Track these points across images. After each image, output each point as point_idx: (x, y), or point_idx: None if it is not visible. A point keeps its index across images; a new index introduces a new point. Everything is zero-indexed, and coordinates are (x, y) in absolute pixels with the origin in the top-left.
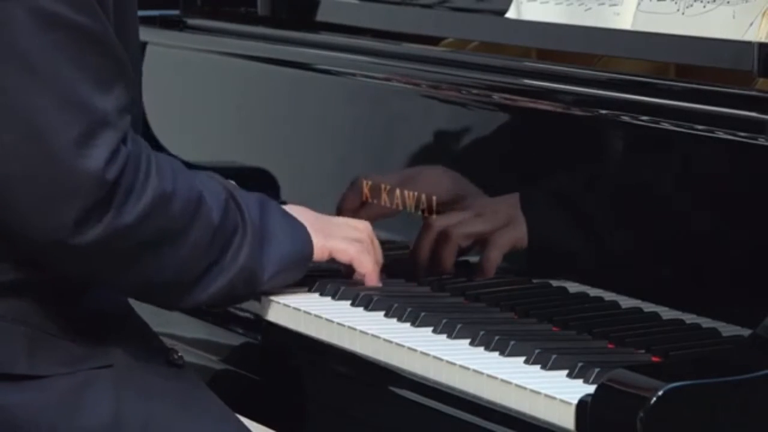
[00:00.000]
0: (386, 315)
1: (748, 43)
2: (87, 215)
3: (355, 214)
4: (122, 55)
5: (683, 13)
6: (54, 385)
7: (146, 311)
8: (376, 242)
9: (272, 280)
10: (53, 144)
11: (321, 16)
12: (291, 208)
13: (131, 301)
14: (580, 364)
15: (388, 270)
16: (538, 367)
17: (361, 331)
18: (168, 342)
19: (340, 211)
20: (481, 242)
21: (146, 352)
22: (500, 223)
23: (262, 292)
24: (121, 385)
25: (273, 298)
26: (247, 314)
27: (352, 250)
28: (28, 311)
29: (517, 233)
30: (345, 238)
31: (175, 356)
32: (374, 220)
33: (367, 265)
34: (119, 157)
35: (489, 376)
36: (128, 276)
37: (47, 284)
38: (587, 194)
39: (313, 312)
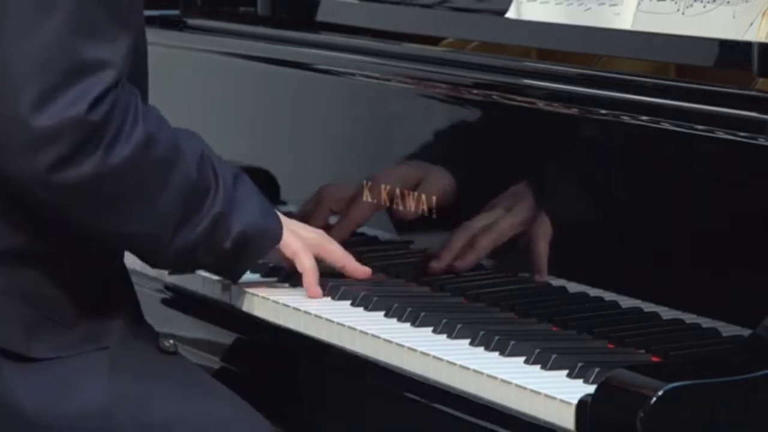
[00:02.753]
0: (386, 315)
1: (748, 43)
2: (70, 154)
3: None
4: (123, 9)
5: (683, 13)
6: (51, 368)
7: (147, 312)
8: (334, 244)
9: (239, 244)
10: (33, 89)
11: (321, 16)
12: None
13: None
14: (580, 364)
15: (388, 270)
16: (538, 367)
17: (361, 331)
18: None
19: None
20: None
21: (141, 337)
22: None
23: (233, 264)
24: (116, 367)
25: (273, 297)
26: (247, 314)
27: (297, 246)
28: (28, 286)
29: (514, 232)
30: (296, 235)
31: (167, 344)
32: (370, 219)
33: (306, 264)
34: (107, 100)
35: (489, 376)
36: (108, 221)
37: (51, 258)
38: (587, 194)
39: (313, 312)
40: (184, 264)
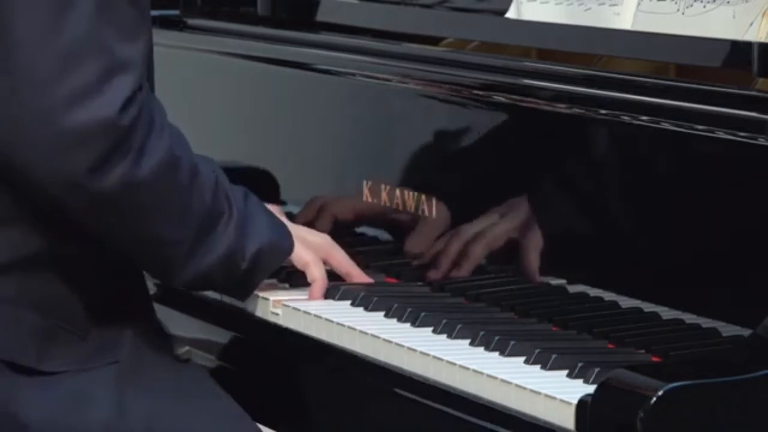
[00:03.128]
0: (386, 315)
1: (748, 43)
2: (103, 159)
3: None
4: (144, 7)
5: (683, 13)
6: (60, 383)
7: None
8: (339, 250)
9: (251, 268)
10: (66, 86)
11: (321, 16)
12: None
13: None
14: (580, 364)
15: (388, 270)
16: (538, 367)
17: (361, 331)
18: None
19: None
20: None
21: (153, 348)
22: (500, 222)
23: (246, 284)
24: (125, 381)
25: (273, 297)
26: (247, 314)
27: (308, 257)
28: (42, 292)
29: (514, 232)
30: (305, 244)
31: (181, 351)
32: (372, 220)
33: (316, 275)
34: (134, 104)
35: (489, 376)
36: (126, 233)
37: (67, 263)
38: (587, 194)
39: (313, 312)
40: (200, 286)
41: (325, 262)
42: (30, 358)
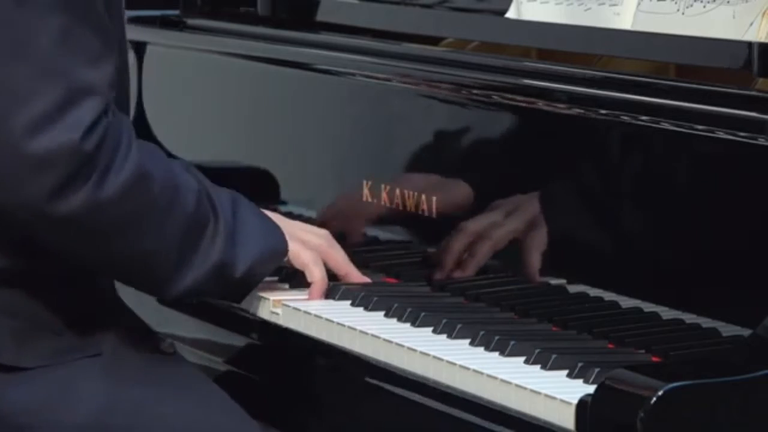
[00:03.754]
0: (386, 315)
1: (748, 43)
2: (64, 185)
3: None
4: (110, 31)
5: (683, 13)
6: (42, 377)
7: (147, 310)
8: (338, 249)
9: (246, 277)
10: (26, 112)
11: (321, 16)
12: None
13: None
14: (580, 364)
15: (388, 270)
16: (538, 367)
17: (361, 331)
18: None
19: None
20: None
21: (135, 340)
22: (500, 222)
23: (241, 290)
24: (111, 374)
25: (273, 297)
26: (247, 314)
27: (306, 257)
28: (17, 304)
29: (514, 232)
30: (304, 244)
31: (164, 344)
32: (374, 220)
33: (316, 276)
34: (98, 128)
35: (489, 376)
36: (99, 255)
37: (36, 275)
38: (587, 194)
39: (313, 312)
40: (194, 296)
41: (323, 262)
42: (8, 356)
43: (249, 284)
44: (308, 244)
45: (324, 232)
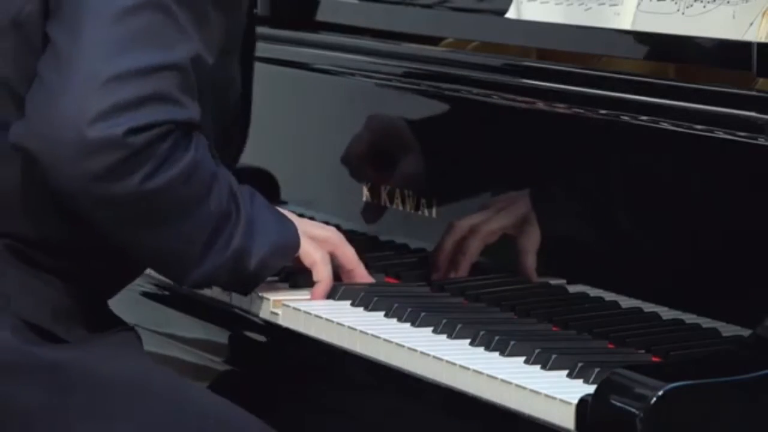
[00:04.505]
0: (386, 315)
1: (748, 43)
2: (109, 171)
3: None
4: (213, 37)
5: (683, 13)
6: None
7: (146, 311)
8: (348, 245)
9: (258, 269)
10: (102, 101)
11: (321, 16)
12: None
13: None
14: (580, 364)
15: (388, 270)
16: (538, 367)
17: (361, 331)
18: (166, 341)
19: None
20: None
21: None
22: (500, 221)
23: (252, 282)
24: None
25: (273, 297)
26: (247, 314)
27: (316, 256)
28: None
29: (514, 232)
30: (315, 242)
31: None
32: (374, 220)
33: (323, 275)
34: (154, 130)
35: (489, 376)
36: (141, 237)
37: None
38: (587, 194)
39: (313, 312)
40: (207, 285)
41: (331, 256)
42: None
43: (259, 276)
44: (317, 240)
45: (333, 229)
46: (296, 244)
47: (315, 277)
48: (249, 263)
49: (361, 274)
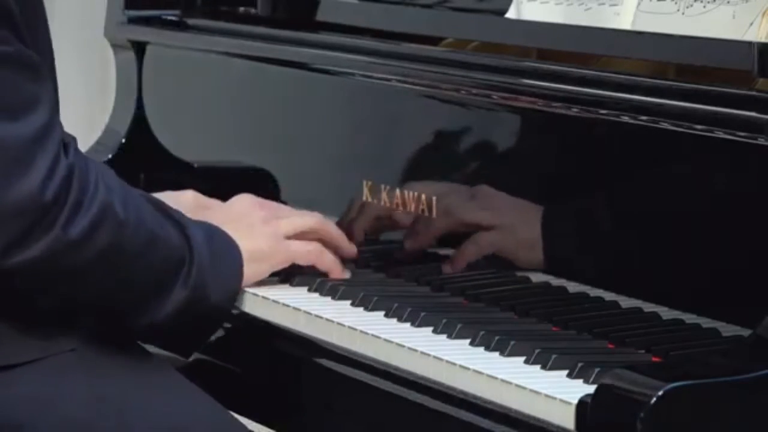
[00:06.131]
0: (386, 315)
1: (748, 43)
2: (24, 236)
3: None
4: (39, 66)
5: (683, 13)
6: (21, 377)
7: None
8: (330, 223)
9: (220, 310)
10: None
11: (321, 16)
12: (239, 199)
13: None
14: (580, 364)
15: (387, 270)
16: (538, 367)
17: (361, 331)
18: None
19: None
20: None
21: (109, 336)
22: (500, 222)
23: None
24: (91, 371)
25: (272, 297)
26: (246, 314)
27: (312, 256)
28: None
29: (514, 232)
30: (299, 241)
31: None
32: (374, 220)
33: (328, 263)
34: (56, 174)
35: (489, 376)
36: (81, 293)
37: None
38: (587, 194)
39: (313, 312)
40: (160, 331)
41: (318, 235)
42: None
43: (221, 313)
44: (306, 235)
45: (307, 213)
46: (263, 270)
47: (322, 269)
48: (206, 305)
49: (345, 245)
